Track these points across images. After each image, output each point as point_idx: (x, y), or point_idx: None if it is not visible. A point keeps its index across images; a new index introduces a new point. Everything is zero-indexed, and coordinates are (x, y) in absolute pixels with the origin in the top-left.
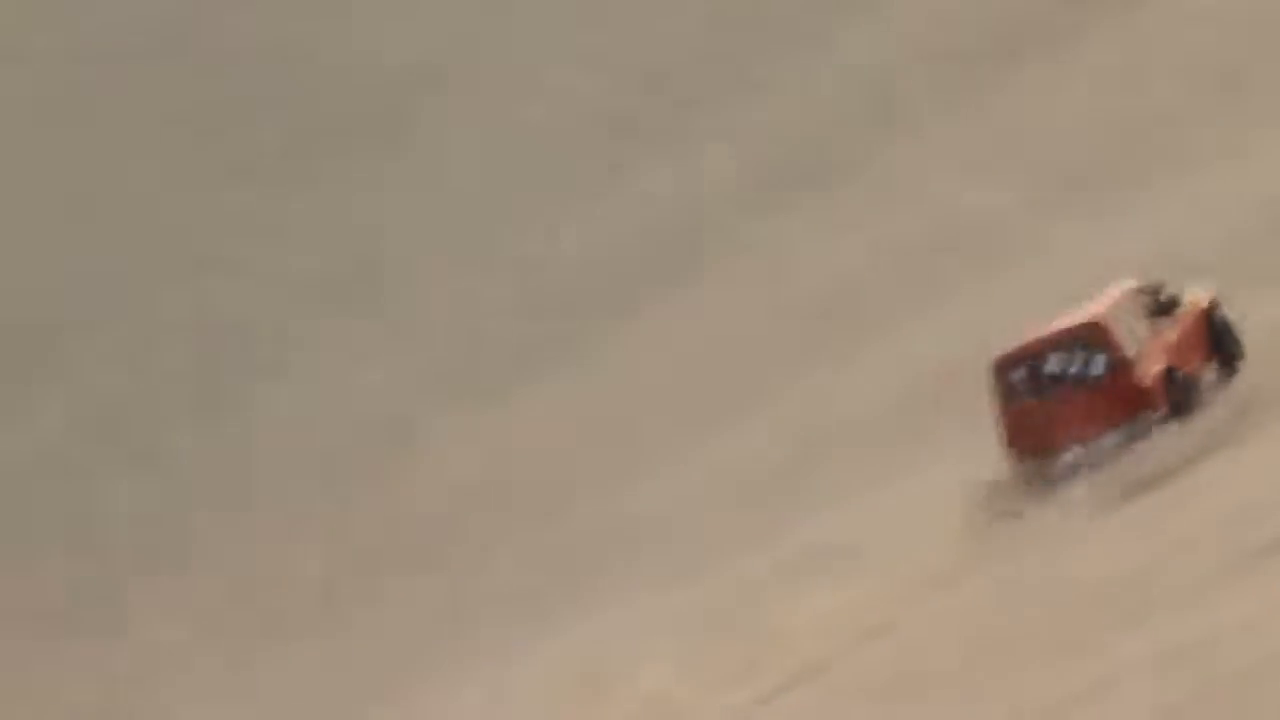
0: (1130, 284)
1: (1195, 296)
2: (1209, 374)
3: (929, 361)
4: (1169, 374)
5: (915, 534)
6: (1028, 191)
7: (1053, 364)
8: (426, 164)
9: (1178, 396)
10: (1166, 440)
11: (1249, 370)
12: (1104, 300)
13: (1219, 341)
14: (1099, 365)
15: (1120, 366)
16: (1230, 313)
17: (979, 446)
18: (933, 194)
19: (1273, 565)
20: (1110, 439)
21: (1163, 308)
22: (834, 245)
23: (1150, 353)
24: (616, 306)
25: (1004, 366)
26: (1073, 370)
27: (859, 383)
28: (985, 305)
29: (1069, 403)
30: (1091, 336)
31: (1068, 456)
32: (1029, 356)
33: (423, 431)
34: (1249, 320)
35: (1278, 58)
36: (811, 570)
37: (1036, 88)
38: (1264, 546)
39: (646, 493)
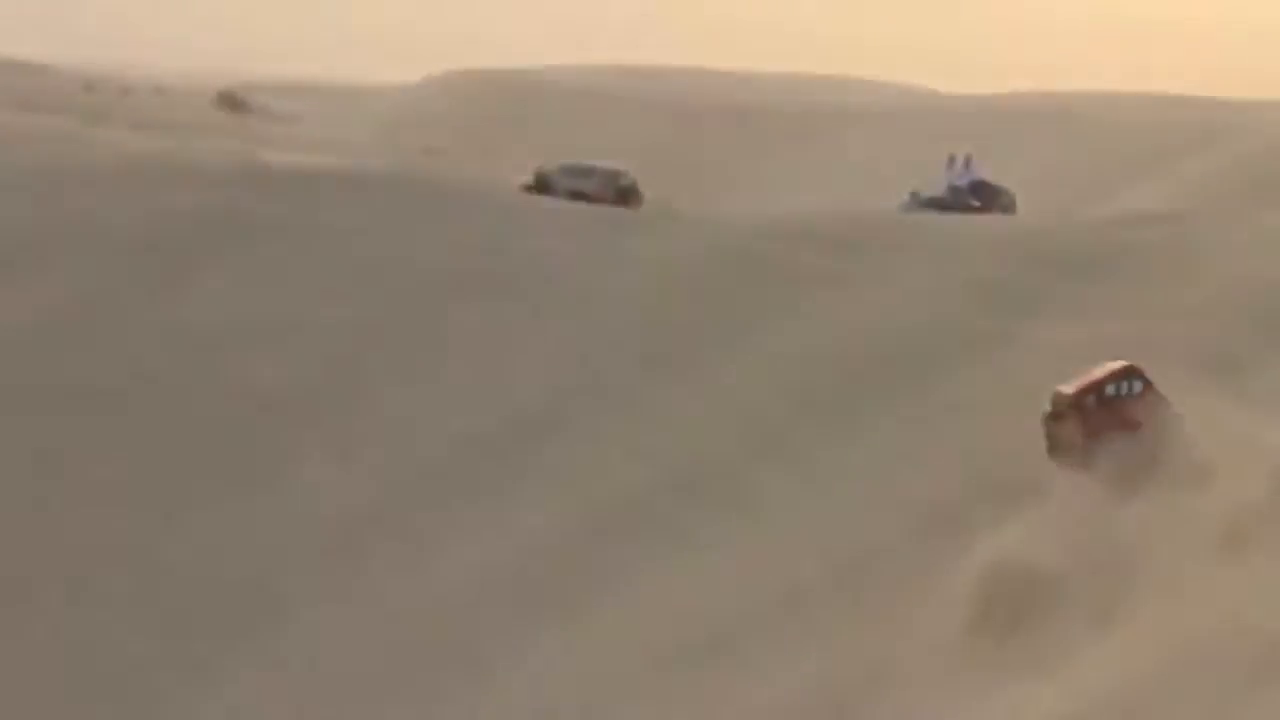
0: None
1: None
2: None
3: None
4: None
5: None
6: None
7: (1110, 389)
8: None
9: None
10: None
11: None
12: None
13: None
14: (1138, 387)
15: (1148, 386)
16: None
17: None
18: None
19: None
20: (1146, 429)
21: None
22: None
23: None
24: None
25: (1081, 395)
26: (1123, 392)
27: None
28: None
29: (1123, 409)
30: (1131, 372)
31: (1119, 442)
32: (1096, 387)
33: None
34: None
35: None
36: None
37: (906, 422)
38: None
39: None
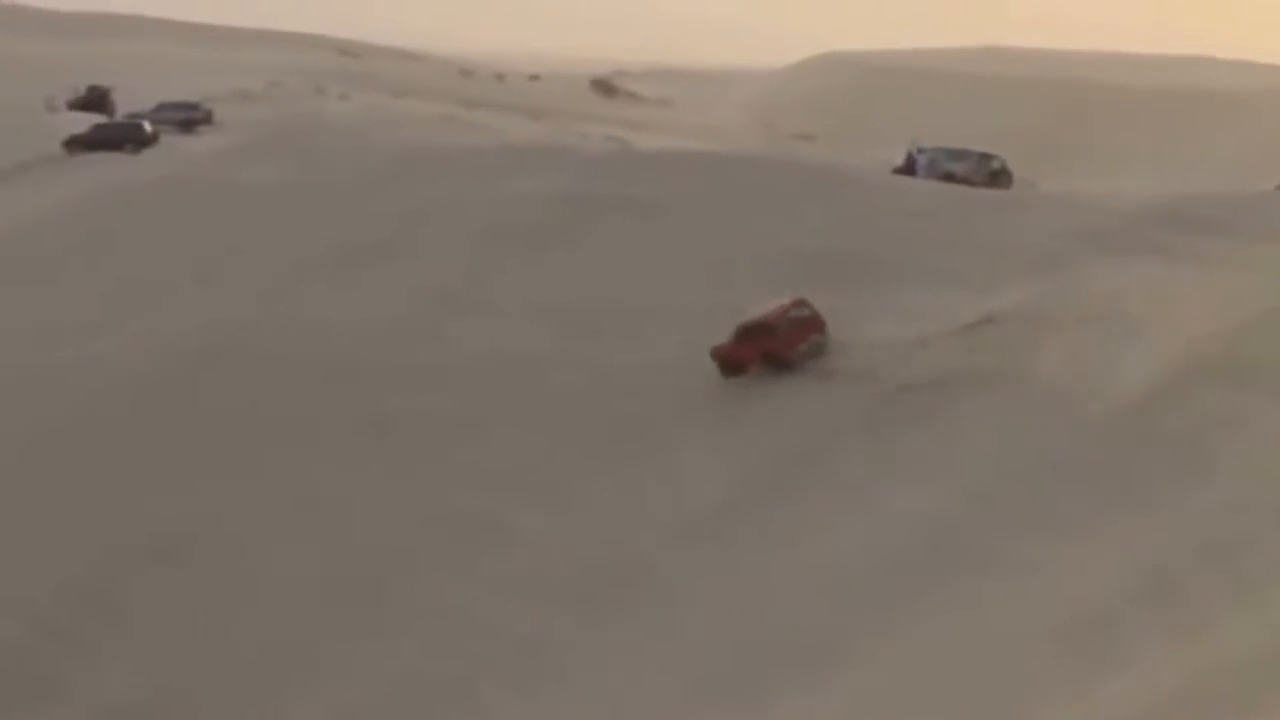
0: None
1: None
2: None
3: None
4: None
5: None
6: None
7: (790, 316)
8: None
9: None
10: None
11: None
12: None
13: None
14: (806, 311)
15: (814, 314)
16: None
17: None
18: None
19: None
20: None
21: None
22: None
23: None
24: None
25: (772, 321)
26: (796, 316)
27: None
28: None
29: (801, 329)
30: (804, 304)
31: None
32: (784, 313)
33: None
34: None
35: None
36: None
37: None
38: None
39: None
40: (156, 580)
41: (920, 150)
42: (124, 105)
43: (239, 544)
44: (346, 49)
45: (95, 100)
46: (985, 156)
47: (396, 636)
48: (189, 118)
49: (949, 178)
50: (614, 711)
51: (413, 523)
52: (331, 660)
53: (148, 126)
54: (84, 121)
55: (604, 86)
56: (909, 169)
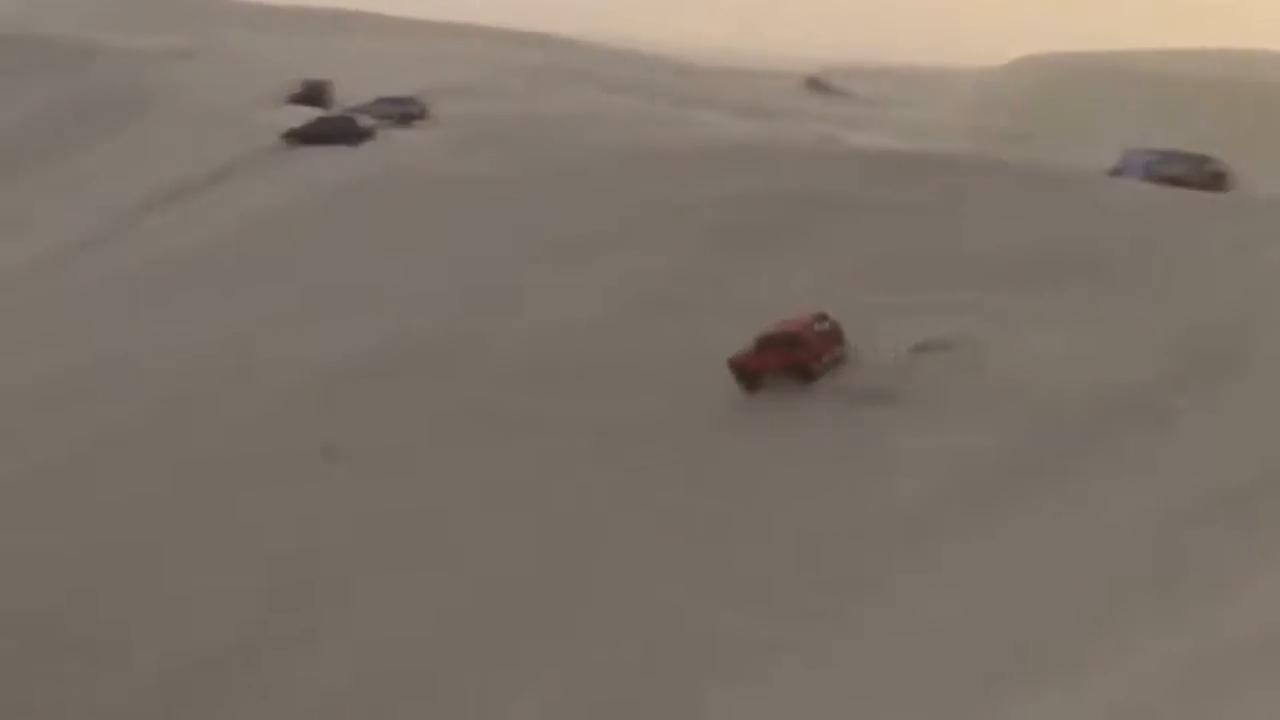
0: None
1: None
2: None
3: None
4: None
5: None
6: None
7: (816, 329)
8: None
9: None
10: None
11: None
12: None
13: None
14: (828, 325)
15: (835, 326)
16: None
17: None
18: None
19: None
20: (837, 352)
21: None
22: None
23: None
24: None
25: (798, 332)
26: (820, 330)
27: None
28: None
29: (827, 342)
30: (825, 317)
31: (827, 360)
32: (809, 325)
33: None
34: None
35: None
36: None
37: None
38: None
39: None
40: (370, 580)
41: (1136, 152)
42: (341, 99)
43: (453, 542)
44: (562, 44)
45: (313, 94)
46: (1203, 159)
47: (615, 634)
48: (405, 112)
49: (1167, 180)
50: (833, 716)
51: (626, 522)
52: (549, 657)
53: (365, 120)
54: (303, 115)
55: (818, 85)
56: (1123, 171)
